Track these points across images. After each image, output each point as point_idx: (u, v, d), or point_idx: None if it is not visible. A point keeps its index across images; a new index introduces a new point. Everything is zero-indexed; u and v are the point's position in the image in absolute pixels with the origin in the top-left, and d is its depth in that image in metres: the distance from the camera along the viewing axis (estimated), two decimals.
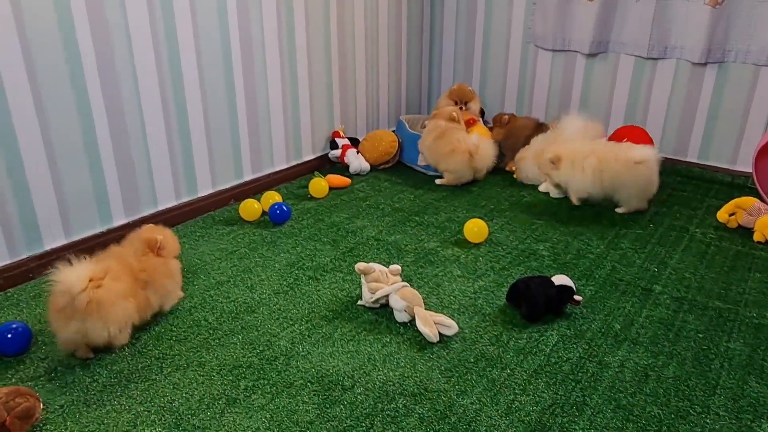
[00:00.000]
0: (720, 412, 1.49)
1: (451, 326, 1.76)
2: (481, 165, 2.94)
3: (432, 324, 1.75)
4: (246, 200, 2.61)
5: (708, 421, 1.46)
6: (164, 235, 1.86)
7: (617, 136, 2.97)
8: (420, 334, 1.78)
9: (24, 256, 2.08)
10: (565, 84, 3.44)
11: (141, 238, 1.84)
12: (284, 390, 1.56)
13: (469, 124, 3.20)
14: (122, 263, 1.72)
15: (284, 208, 2.54)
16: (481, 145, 2.91)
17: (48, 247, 2.14)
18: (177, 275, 1.90)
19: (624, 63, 3.21)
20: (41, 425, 1.44)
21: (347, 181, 2.98)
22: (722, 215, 2.55)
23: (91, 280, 1.57)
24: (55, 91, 2.03)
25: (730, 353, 1.71)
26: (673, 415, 1.48)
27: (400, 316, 1.84)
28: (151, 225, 1.94)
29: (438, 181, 3.01)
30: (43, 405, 1.48)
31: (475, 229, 2.36)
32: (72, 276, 1.56)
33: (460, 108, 3.30)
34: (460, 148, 2.86)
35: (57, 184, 2.11)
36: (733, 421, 1.46)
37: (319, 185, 2.83)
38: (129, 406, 1.50)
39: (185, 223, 2.55)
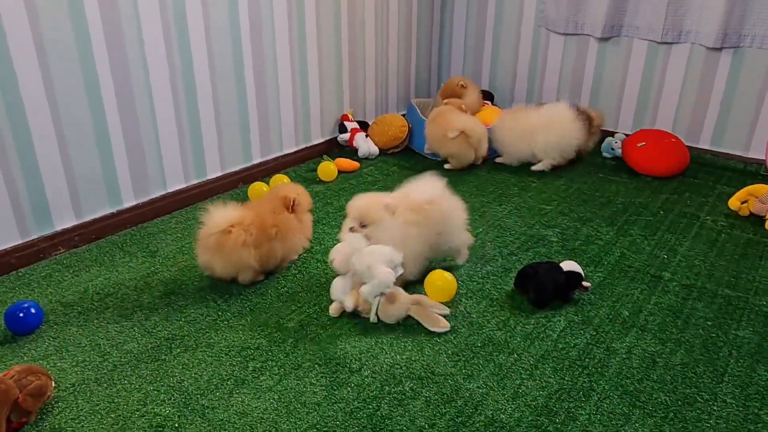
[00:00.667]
0: (727, 399, 1.48)
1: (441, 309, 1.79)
2: (478, 145, 2.92)
3: (436, 320, 1.74)
4: (254, 183, 2.62)
5: (715, 408, 1.46)
6: (298, 193, 2.08)
7: (640, 138, 2.97)
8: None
9: (35, 237, 2.10)
10: (576, 68, 3.40)
11: (278, 196, 2.04)
12: (292, 372, 1.57)
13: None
14: (258, 217, 1.93)
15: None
16: (468, 127, 2.86)
17: (58, 228, 2.16)
18: (308, 230, 2.13)
19: (637, 47, 3.17)
20: (53, 403, 1.46)
21: (356, 165, 2.98)
22: (734, 203, 2.53)
23: (230, 225, 1.84)
24: (65, 74, 2.03)
25: (738, 341, 1.71)
26: (680, 402, 1.48)
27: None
28: (286, 183, 2.19)
29: (446, 166, 3.00)
30: (55, 383, 1.50)
31: (439, 283, 1.88)
32: (216, 217, 1.86)
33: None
34: (453, 129, 2.84)
35: (67, 166, 2.12)
36: (740, 409, 1.46)
37: (327, 169, 2.83)
38: (139, 386, 1.52)
39: (194, 205, 2.56)
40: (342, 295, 1.79)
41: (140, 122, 2.30)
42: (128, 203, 2.35)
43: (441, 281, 1.88)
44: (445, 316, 1.77)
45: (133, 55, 2.21)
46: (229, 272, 1.91)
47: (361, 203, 1.90)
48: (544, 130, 2.89)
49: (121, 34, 2.15)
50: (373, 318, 1.75)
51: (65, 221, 2.17)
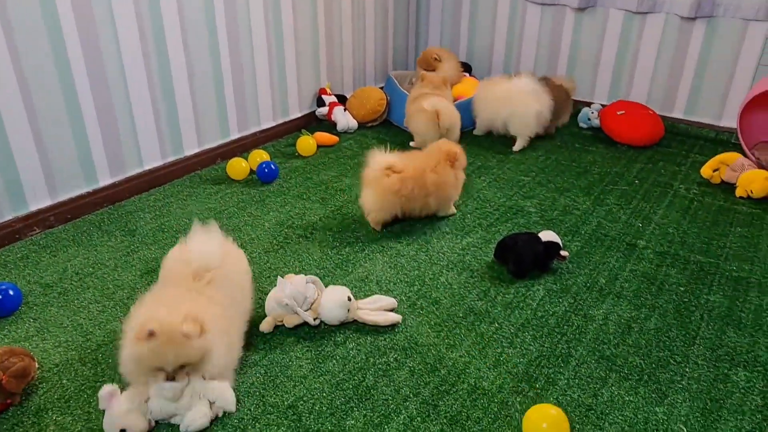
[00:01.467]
0: (699, 361, 1.54)
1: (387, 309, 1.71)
2: (448, 126, 2.75)
3: (378, 317, 1.66)
4: (233, 159, 2.59)
5: (687, 369, 1.52)
6: (459, 150, 2.15)
7: (618, 107, 3.00)
8: (408, 291, 1.81)
9: (9, 218, 2.06)
10: (553, 39, 3.40)
11: (441, 150, 2.12)
12: (277, 347, 1.59)
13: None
14: (419, 171, 2.08)
15: (272, 166, 2.52)
16: (442, 107, 2.73)
17: (33, 208, 2.12)
18: (460, 186, 2.21)
19: (613, 17, 3.18)
20: (37, 384, 1.46)
21: (335, 139, 2.96)
22: (706, 171, 2.58)
23: (387, 168, 2.05)
24: (34, 50, 1.97)
25: (710, 305, 1.77)
26: (654, 365, 1.53)
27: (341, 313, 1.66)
28: (446, 140, 2.22)
29: (411, 143, 2.94)
30: (38, 364, 1.50)
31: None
32: (377, 159, 2.09)
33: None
34: (424, 110, 2.74)
35: (39, 145, 2.07)
36: (711, 369, 1.52)
37: (306, 143, 2.81)
38: None
39: (172, 183, 2.53)
40: (276, 308, 1.63)
41: (113, 99, 2.25)
42: (104, 182, 2.31)
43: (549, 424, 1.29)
44: (397, 302, 1.73)
45: (104, 30, 2.15)
46: (376, 210, 2.11)
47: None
48: (508, 102, 2.88)
49: (90, 9, 2.09)
50: (312, 321, 1.63)
51: (40, 201, 2.13)
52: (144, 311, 1.31)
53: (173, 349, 1.25)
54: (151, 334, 1.23)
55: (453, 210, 2.27)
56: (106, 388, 1.29)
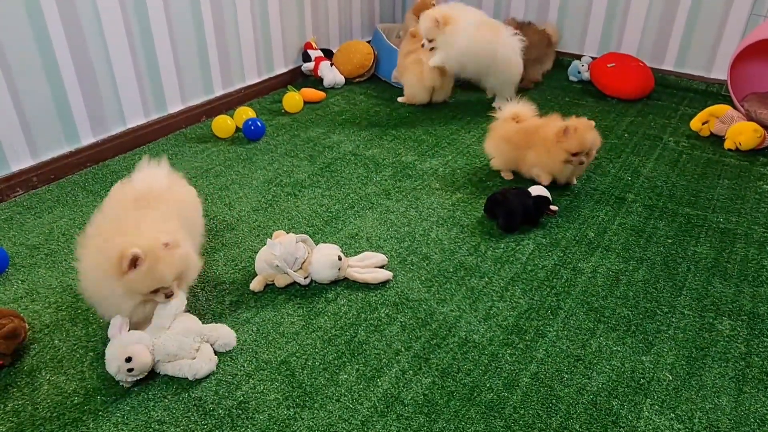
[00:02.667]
0: (685, 311, 1.57)
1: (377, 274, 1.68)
2: (436, 89, 2.76)
3: (369, 275, 1.66)
4: (218, 116, 2.54)
5: (674, 320, 1.54)
6: (575, 133, 2.00)
7: (609, 60, 2.95)
8: (398, 247, 1.81)
9: None
10: None
11: (563, 125, 2.02)
12: (269, 304, 1.59)
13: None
14: (532, 126, 2.13)
15: (258, 123, 2.48)
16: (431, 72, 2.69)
17: (15, 169, 2.07)
18: (551, 162, 2.07)
19: None
20: (29, 345, 1.46)
21: (322, 95, 2.91)
22: (695, 124, 2.58)
23: (515, 119, 2.17)
24: (6, 5, 1.88)
25: (697, 257, 1.79)
26: (641, 316, 1.56)
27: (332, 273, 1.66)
28: (580, 121, 2.04)
29: (399, 99, 2.90)
30: (29, 325, 1.49)
31: None
32: (509, 110, 2.20)
33: None
34: (419, 63, 2.71)
35: (17, 104, 2.01)
36: (697, 319, 1.55)
37: (293, 100, 2.76)
38: None
39: (156, 141, 2.48)
40: (267, 268, 1.62)
41: (92, 56, 2.18)
42: (86, 141, 2.26)
43: None
44: (387, 258, 1.73)
45: None
46: (494, 156, 2.23)
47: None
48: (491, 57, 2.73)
49: None
50: (303, 281, 1.63)
51: (21, 162, 2.09)
52: (106, 241, 1.30)
53: (165, 265, 1.30)
54: (135, 260, 1.26)
55: (540, 177, 2.12)
56: (119, 318, 1.34)
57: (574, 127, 1.99)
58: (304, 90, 2.87)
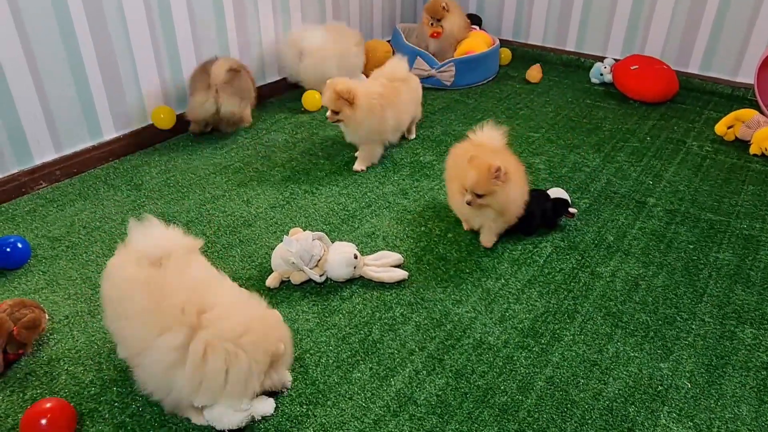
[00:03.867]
0: (705, 318, 1.54)
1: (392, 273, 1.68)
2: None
3: (384, 274, 1.66)
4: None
5: (693, 326, 1.52)
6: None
7: (632, 62, 2.92)
8: (415, 247, 1.81)
9: (15, 171, 2.06)
10: None
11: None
12: (284, 300, 1.60)
13: (433, 36, 3.10)
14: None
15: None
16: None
17: (38, 162, 2.11)
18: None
19: None
20: (48, 334, 1.48)
21: None
22: (720, 128, 2.53)
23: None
24: (35, 3, 1.92)
25: (718, 263, 1.76)
26: (660, 322, 1.53)
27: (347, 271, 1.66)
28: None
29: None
30: (49, 316, 1.52)
31: None
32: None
33: (432, 24, 3.12)
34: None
35: (42, 98, 2.04)
36: (717, 327, 1.52)
37: (312, 98, 2.76)
38: None
39: (177, 137, 2.51)
40: (283, 265, 1.63)
41: (115, 51, 2.21)
42: (109, 136, 2.29)
43: None
44: (403, 257, 1.72)
45: None
46: None
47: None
48: None
49: None
50: (318, 279, 1.63)
51: (45, 155, 2.12)
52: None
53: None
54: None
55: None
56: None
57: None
58: None
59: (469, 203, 1.69)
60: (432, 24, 3.11)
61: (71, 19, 2.03)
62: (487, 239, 1.81)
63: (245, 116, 2.54)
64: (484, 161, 1.66)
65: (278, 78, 2.93)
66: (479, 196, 1.68)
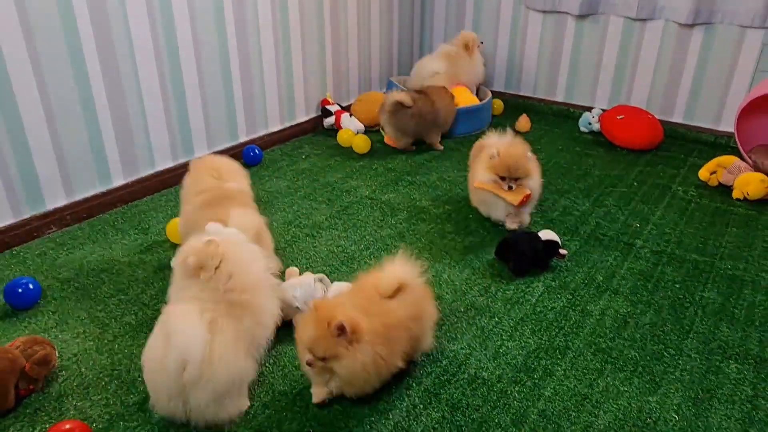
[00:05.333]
0: (692, 354, 1.60)
1: None
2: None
3: None
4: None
5: (680, 362, 1.57)
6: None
7: (618, 112, 3.05)
8: None
9: (27, 216, 2.14)
10: (555, 45, 3.47)
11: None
12: (285, 338, 1.65)
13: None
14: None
15: (256, 151, 2.74)
16: None
17: (50, 207, 2.20)
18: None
19: (613, 24, 3.25)
20: (58, 371, 1.53)
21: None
22: (704, 173, 2.64)
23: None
24: (53, 56, 2.05)
25: (704, 301, 1.82)
26: (648, 357, 1.59)
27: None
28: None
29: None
30: (58, 353, 1.57)
31: None
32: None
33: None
34: None
35: (56, 146, 2.15)
36: (704, 362, 1.57)
37: (361, 140, 2.96)
38: (139, 354, 1.57)
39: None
40: (286, 309, 1.64)
41: (127, 103, 2.34)
42: (118, 182, 2.39)
43: None
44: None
45: (119, 35, 2.23)
46: None
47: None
48: None
49: (106, 13, 2.17)
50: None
51: (57, 200, 2.21)
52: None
53: None
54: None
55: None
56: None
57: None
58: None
59: (309, 364, 1.34)
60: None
61: (86, 69, 2.16)
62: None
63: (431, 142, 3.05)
64: (327, 313, 1.32)
65: (280, 127, 3.06)
66: (322, 359, 1.33)
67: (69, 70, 2.11)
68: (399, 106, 2.83)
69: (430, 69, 3.35)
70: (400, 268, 1.46)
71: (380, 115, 2.95)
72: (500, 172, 2.11)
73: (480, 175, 2.18)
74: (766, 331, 1.69)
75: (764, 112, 2.79)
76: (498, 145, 2.16)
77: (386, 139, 3.05)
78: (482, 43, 3.48)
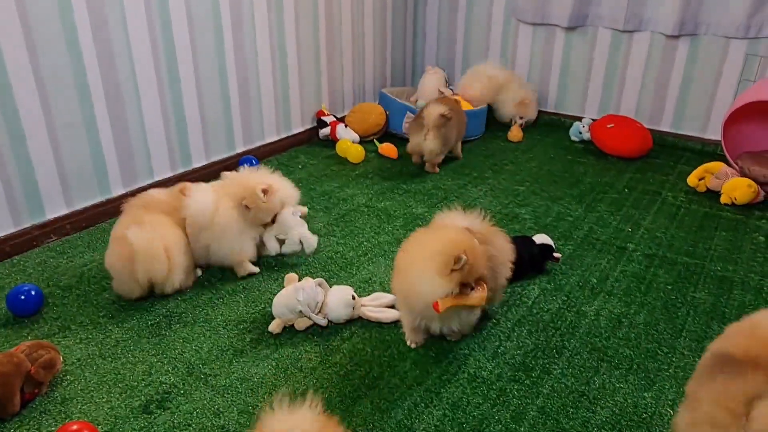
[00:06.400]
0: (685, 352, 1.64)
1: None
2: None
3: (382, 314, 1.75)
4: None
5: (674, 359, 1.61)
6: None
7: (608, 121, 3.12)
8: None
9: (27, 225, 2.16)
10: (545, 56, 3.55)
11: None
12: (288, 341, 1.68)
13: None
14: None
15: (254, 162, 2.77)
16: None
17: (50, 216, 2.21)
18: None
19: (602, 36, 3.33)
20: (61, 376, 1.54)
21: (394, 150, 3.09)
22: (692, 180, 2.71)
23: None
24: (54, 67, 2.08)
25: (695, 302, 1.87)
26: (643, 355, 1.63)
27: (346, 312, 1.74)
28: None
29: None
30: (62, 358, 1.58)
31: None
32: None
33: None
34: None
35: (57, 156, 2.17)
36: (696, 359, 1.60)
37: (389, 149, 3.04)
38: (143, 358, 1.61)
39: None
40: (287, 313, 1.71)
41: (127, 113, 2.37)
42: (117, 192, 2.42)
43: None
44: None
45: (119, 46, 2.27)
46: None
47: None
48: None
49: (106, 24, 2.21)
50: (323, 323, 1.71)
51: (57, 210, 2.23)
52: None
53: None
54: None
55: None
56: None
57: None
58: (385, 144, 3.11)
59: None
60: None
61: (88, 83, 2.20)
62: None
63: (456, 152, 3.06)
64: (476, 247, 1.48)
65: (276, 138, 3.10)
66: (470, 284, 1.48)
67: (70, 81, 2.14)
68: (444, 119, 2.73)
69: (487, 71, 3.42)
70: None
71: (413, 130, 2.81)
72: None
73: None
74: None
75: (749, 119, 2.87)
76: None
77: (380, 150, 3.10)
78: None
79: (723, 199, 2.56)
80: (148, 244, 1.76)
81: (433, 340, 1.68)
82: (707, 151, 3.14)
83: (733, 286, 1.96)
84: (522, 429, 1.38)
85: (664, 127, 3.30)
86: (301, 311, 1.68)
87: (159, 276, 1.79)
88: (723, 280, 1.99)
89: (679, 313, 1.81)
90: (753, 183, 2.52)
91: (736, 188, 2.53)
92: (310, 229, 2.31)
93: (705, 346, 1.65)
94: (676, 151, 3.19)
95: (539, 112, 3.64)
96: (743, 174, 2.66)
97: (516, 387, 1.51)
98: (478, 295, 1.48)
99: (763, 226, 2.38)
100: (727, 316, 1.79)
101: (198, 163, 2.73)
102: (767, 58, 2.92)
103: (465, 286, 1.46)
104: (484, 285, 1.50)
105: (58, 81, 2.11)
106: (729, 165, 2.75)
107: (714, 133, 3.14)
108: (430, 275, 1.45)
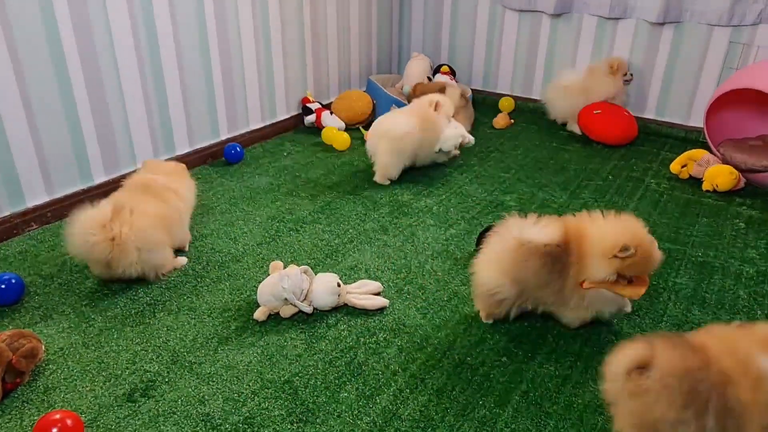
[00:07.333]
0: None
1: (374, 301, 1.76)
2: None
3: (367, 301, 1.76)
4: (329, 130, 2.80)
5: None
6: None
7: (595, 107, 3.13)
8: (395, 278, 1.91)
9: (7, 213, 2.12)
10: (531, 43, 3.54)
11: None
12: (272, 329, 1.68)
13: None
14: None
15: (238, 149, 2.78)
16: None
17: (30, 204, 2.18)
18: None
19: (587, 22, 3.33)
20: (44, 365, 1.53)
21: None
22: (675, 167, 2.73)
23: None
24: (32, 52, 2.04)
25: (677, 287, 1.89)
26: (624, 339, 1.64)
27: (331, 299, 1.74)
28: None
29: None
30: (44, 347, 1.57)
31: None
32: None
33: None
34: None
35: (37, 143, 2.14)
36: None
37: (340, 137, 3.00)
38: (126, 346, 1.60)
39: None
40: (273, 300, 1.71)
41: (108, 99, 2.33)
42: (99, 179, 2.38)
43: None
44: (384, 287, 1.83)
45: (99, 32, 2.23)
46: None
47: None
48: None
49: (86, 8, 2.17)
50: (308, 310, 1.72)
51: (37, 198, 2.20)
52: None
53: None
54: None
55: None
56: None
57: None
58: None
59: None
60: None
61: (66, 67, 2.16)
62: None
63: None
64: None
65: (261, 125, 3.08)
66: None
67: (49, 66, 2.10)
68: (465, 99, 2.99)
69: (567, 79, 3.27)
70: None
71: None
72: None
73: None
74: (735, 314, 1.76)
75: (731, 107, 2.89)
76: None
77: (366, 138, 3.07)
78: (631, 75, 3.24)
79: (705, 186, 2.59)
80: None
81: (417, 327, 1.69)
82: (690, 139, 3.17)
83: (713, 271, 1.98)
84: (506, 413, 1.40)
85: (648, 115, 3.32)
86: (286, 299, 1.68)
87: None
88: (704, 265, 2.02)
89: (661, 299, 1.84)
90: (734, 170, 2.55)
91: (718, 175, 2.55)
92: (294, 215, 2.30)
93: (685, 330, 1.68)
94: (660, 139, 3.21)
95: (525, 98, 3.64)
96: (725, 161, 2.69)
97: (500, 372, 1.52)
98: (632, 289, 1.51)
99: (744, 212, 2.41)
100: (708, 301, 1.82)
101: (182, 150, 2.70)
102: (750, 46, 2.95)
103: (622, 277, 1.50)
104: (646, 281, 1.53)
105: (37, 66, 2.07)
106: (711, 152, 2.78)
107: (697, 121, 3.17)
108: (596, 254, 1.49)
